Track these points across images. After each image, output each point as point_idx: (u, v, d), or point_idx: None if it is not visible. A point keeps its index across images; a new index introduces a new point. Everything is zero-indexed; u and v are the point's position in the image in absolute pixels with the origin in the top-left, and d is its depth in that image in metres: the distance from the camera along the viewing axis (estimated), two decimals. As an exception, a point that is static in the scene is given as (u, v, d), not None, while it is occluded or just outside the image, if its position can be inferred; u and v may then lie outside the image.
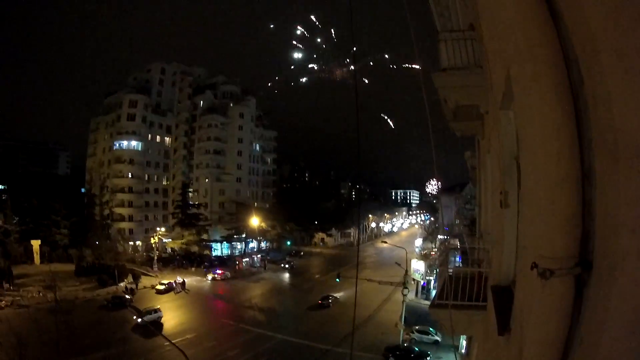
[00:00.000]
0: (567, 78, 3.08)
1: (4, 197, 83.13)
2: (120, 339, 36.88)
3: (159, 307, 49.43)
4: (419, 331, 44.42)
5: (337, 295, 57.67)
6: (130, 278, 65.19)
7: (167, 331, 44.94)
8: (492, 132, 7.67)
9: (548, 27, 3.23)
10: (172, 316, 50.20)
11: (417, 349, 40.89)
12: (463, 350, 16.68)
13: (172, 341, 42.12)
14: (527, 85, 3.55)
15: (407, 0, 7.68)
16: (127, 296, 55.68)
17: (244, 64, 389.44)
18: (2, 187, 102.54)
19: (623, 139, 2.37)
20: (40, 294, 52.27)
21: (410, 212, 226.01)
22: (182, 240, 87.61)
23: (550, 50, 3.18)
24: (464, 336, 14.23)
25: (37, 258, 74.03)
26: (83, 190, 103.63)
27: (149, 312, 47.35)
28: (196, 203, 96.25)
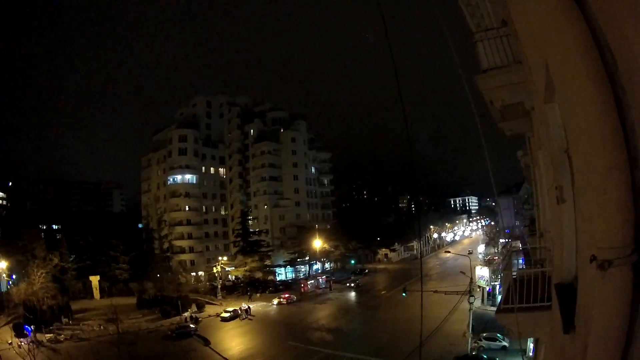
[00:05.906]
0: (602, 63, 3.02)
1: (58, 237, 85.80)
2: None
3: None
4: (486, 338, 43.34)
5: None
6: (194, 307, 66.19)
7: (234, 357, 45.26)
8: (540, 127, 7.51)
9: (575, 14, 3.19)
10: (239, 342, 50.70)
11: (485, 357, 39.84)
12: (530, 354, 16.16)
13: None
14: (565, 73, 3.51)
15: (438, 6, 7.67)
16: (191, 325, 56.21)
17: (292, 87, 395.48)
18: (57, 227, 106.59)
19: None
20: (101, 327, 53.46)
21: (471, 219, 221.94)
22: (245, 268, 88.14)
23: (580, 35, 3.14)
24: (531, 339, 13.83)
25: (96, 293, 76.55)
26: (140, 225, 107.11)
27: None
28: (257, 230, 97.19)
